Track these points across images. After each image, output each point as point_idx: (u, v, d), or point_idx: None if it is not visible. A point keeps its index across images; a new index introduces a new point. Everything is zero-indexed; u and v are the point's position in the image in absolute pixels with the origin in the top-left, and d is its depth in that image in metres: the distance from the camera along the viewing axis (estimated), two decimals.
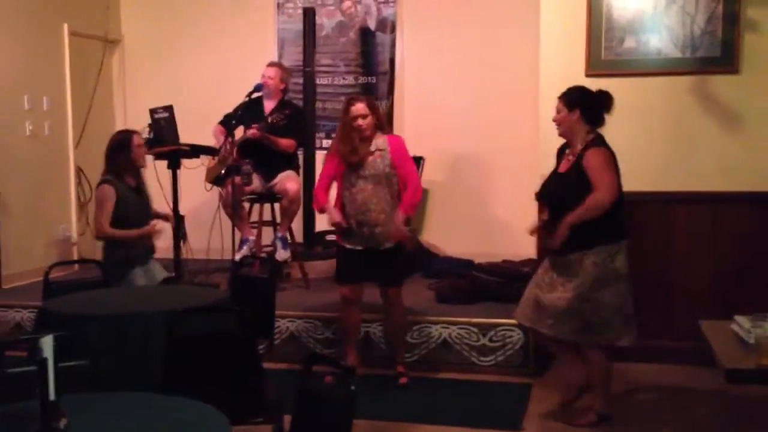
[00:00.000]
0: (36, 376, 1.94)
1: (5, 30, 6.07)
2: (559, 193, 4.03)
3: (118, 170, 4.64)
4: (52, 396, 1.94)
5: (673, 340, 4.93)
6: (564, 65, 5.08)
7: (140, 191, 4.75)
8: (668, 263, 4.98)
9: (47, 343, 1.97)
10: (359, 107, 4.38)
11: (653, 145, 5.00)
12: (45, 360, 1.94)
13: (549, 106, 5.10)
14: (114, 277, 4.36)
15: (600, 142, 3.99)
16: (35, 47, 6.41)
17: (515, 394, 4.43)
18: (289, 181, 5.65)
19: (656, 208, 4.99)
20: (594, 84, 5.00)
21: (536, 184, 5.20)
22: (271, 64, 5.92)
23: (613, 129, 5.02)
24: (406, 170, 4.46)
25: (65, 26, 6.68)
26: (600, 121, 4.02)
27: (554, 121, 4.08)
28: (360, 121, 4.35)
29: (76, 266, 6.26)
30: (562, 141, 5.09)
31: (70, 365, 2.36)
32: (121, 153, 4.63)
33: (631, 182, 4.97)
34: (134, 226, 4.62)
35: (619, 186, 3.94)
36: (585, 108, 3.96)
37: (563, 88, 5.05)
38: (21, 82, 6.22)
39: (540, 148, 5.20)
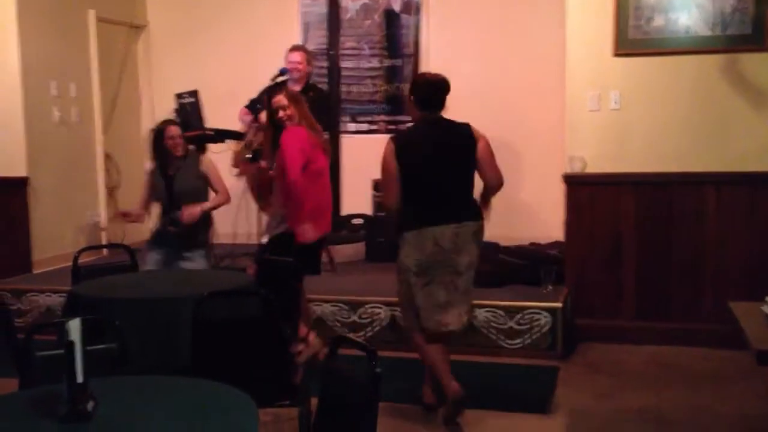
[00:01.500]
0: (64, 359, 1.95)
1: (33, 17, 6.11)
2: None
3: (158, 158, 4.70)
4: (80, 379, 1.95)
5: (704, 322, 4.88)
6: (591, 45, 5.02)
7: (168, 179, 4.72)
8: (699, 245, 4.91)
9: (75, 327, 1.98)
10: (278, 98, 4.44)
11: (683, 126, 4.93)
12: (73, 343, 1.96)
13: (575, 86, 5.07)
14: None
15: (395, 133, 4.16)
16: (63, 34, 6.45)
17: (543, 378, 4.41)
18: None
19: (687, 190, 4.93)
20: (622, 64, 4.97)
21: (563, 166, 5.17)
22: (294, 48, 5.88)
23: (642, 109, 4.98)
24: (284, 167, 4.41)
25: (92, 12, 6.71)
26: (429, 106, 3.83)
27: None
28: (281, 113, 4.42)
29: (105, 251, 6.33)
30: (591, 122, 5.06)
31: (98, 348, 2.39)
32: (155, 144, 4.69)
33: (660, 163, 4.95)
34: (162, 212, 4.73)
35: (410, 182, 3.74)
36: (416, 95, 3.85)
37: (590, 69, 5.04)
38: (49, 68, 6.27)
39: (566, 130, 5.15)
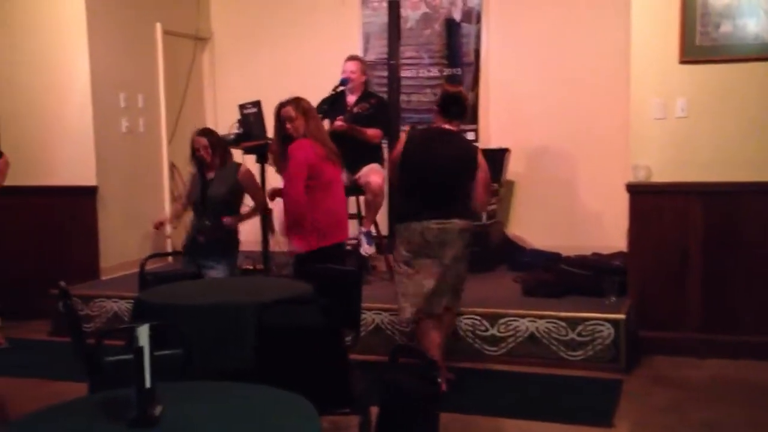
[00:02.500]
0: (133, 365, 2.00)
1: (103, 30, 6.29)
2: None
3: (196, 165, 4.89)
4: (147, 384, 2.00)
5: None
6: (656, 52, 4.94)
7: (204, 187, 4.84)
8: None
9: (144, 333, 2.02)
10: (287, 110, 4.49)
11: (752, 134, 4.80)
12: (141, 349, 2.00)
13: (640, 94, 4.99)
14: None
15: (411, 130, 4.44)
16: (130, 46, 6.62)
17: (606, 390, 4.34)
18: (373, 174, 5.67)
19: (756, 199, 4.80)
20: (688, 71, 4.87)
21: (626, 175, 5.09)
22: (350, 58, 5.92)
23: (709, 117, 4.87)
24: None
25: (159, 26, 6.87)
26: (448, 114, 4.28)
27: None
28: (287, 125, 4.45)
29: (170, 258, 6.47)
30: (656, 130, 4.96)
31: (165, 354, 2.44)
32: (192, 152, 4.90)
33: (728, 172, 4.83)
34: (195, 213, 4.93)
35: (408, 177, 4.25)
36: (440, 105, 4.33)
37: (655, 76, 4.96)
38: (117, 80, 6.44)
39: (631, 138, 5.06)
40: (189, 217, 5.10)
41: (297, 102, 4.56)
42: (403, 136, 4.35)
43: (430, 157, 4.18)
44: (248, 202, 5.08)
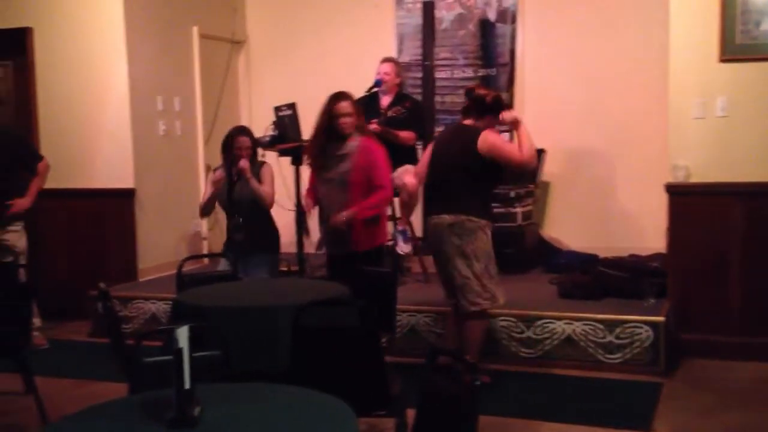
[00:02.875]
0: (172, 366, 2.01)
1: (141, 34, 6.36)
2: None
3: (226, 162, 4.92)
4: (187, 385, 2.01)
5: None
6: (696, 50, 4.86)
7: (232, 184, 4.88)
8: None
9: (183, 334, 2.04)
10: (344, 105, 4.40)
11: None
12: (181, 350, 2.01)
13: (679, 93, 4.92)
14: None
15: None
16: (168, 50, 6.69)
17: (645, 393, 4.28)
18: (407, 175, 5.64)
19: None
20: (728, 70, 4.79)
21: (664, 175, 5.02)
22: (385, 60, 5.92)
23: (750, 116, 4.79)
24: (372, 175, 4.42)
25: (195, 29, 6.94)
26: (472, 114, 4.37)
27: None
28: (344, 120, 4.38)
29: (206, 260, 6.52)
30: (695, 130, 4.89)
31: (203, 355, 2.46)
32: (226, 148, 4.93)
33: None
34: (226, 213, 5.00)
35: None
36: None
37: (695, 75, 4.88)
38: (155, 83, 6.51)
39: (671, 138, 4.99)
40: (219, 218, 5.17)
41: (353, 99, 4.53)
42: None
43: (438, 153, 4.30)
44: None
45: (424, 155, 4.49)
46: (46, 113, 6.44)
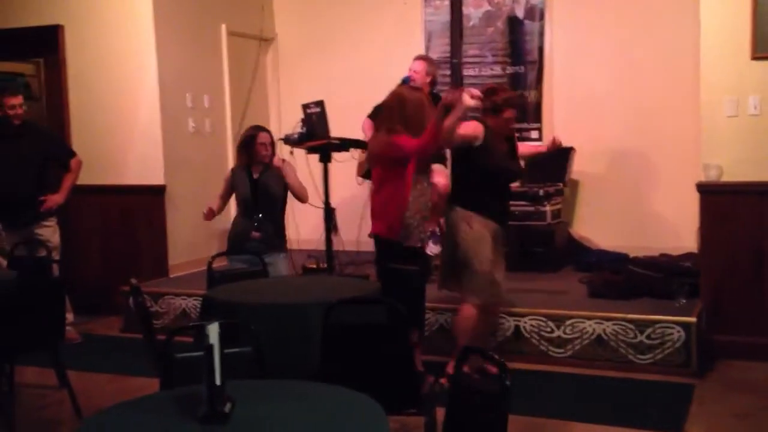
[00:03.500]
0: (203, 362, 2.02)
1: (170, 32, 6.41)
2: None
3: (244, 161, 4.94)
4: (218, 381, 2.02)
5: None
6: (727, 47, 4.79)
7: (255, 183, 4.93)
8: None
9: (214, 330, 2.05)
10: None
11: None
12: (212, 346, 2.02)
13: (711, 91, 4.86)
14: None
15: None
16: (197, 47, 6.74)
17: (676, 395, 4.23)
18: (437, 175, 5.60)
19: None
20: (761, 67, 4.71)
21: (696, 174, 4.96)
22: (418, 58, 5.90)
23: None
24: None
25: (224, 27, 6.97)
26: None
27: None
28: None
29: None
30: (728, 129, 4.82)
31: (234, 352, 2.47)
32: (246, 146, 4.94)
33: None
34: (243, 213, 4.99)
35: None
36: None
37: (726, 73, 4.82)
38: (184, 80, 6.55)
39: (703, 137, 4.93)
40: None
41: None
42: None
43: None
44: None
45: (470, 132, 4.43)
46: (77, 110, 6.52)
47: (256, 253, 4.60)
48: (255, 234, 4.85)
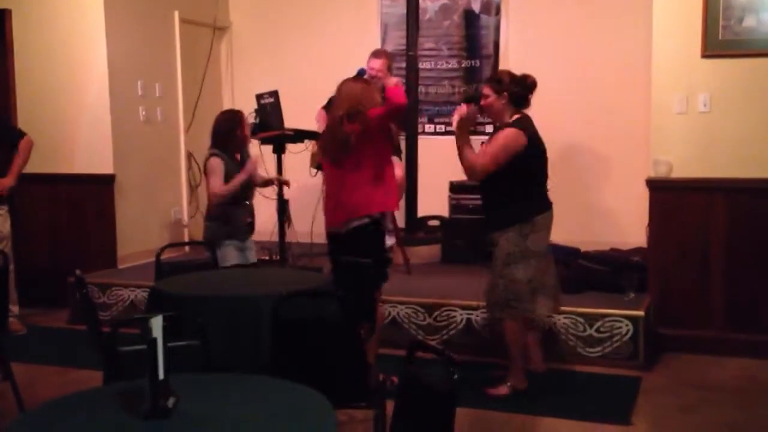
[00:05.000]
0: (146, 356, 1.98)
1: (121, 18, 6.28)
2: None
3: (226, 146, 4.72)
4: (161, 375, 1.98)
5: None
6: (678, 46, 4.87)
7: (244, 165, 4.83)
8: None
9: (157, 324, 2.01)
10: None
11: None
12: (155, 340, 1.98)
13: (662, 88, 4.93)
14: (209, 244, 4.51)
15: (518, 123, 4.06)
16: (148, 35, 6.61)
17: (624, 388, 4.29)
18: (395, 168, 5.62)
19: None
20: (711, 65, 4.80)
21: (646, 171, 5.03)
22: (376, 55, 5.79)
23: (733, 112, 4.80)
24: None
25: (176, 14, 6.85)
26: (525, 104, 4.17)
27: (483, 105, 4.18)
28: None
29: (187, 248, 6.47)
30: (677, 125, 4.90)
31: (180, 345, 2.43)
32: (230, 131, 4.70)
33: (752, 168, 4.76)
34: (239, 199, 4.70)
35: (533, 168, 4.09)
36: (512, 92, 4.10)
37: (677, 70, 4.89)
38: (135, 68, 6.43)
39: (653, 134, 5.00)
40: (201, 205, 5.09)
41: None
42: (513, 133, 4.02)
43: (543, 148, 4.19)
44: None
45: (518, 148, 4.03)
46: (23, 97, 6.36)
47: (244, 238, 4.62)
48: (248, 219, 4.78)
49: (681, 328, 4.86)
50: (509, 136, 4.01)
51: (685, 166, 4.89)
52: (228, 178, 4.63)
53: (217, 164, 4.64)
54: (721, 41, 4.77)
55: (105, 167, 6.22)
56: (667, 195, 4.94)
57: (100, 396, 2.24)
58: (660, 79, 4.94)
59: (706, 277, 4.85)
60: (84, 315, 3.63)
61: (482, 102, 4.18)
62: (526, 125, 4.07)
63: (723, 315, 4.82)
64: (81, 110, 6.25)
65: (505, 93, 4.10)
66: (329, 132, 4.22)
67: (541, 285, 4.12)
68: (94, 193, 6.25)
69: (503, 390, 4.15)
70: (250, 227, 4.78)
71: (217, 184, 4.61)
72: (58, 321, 5.82)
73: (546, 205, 4.17)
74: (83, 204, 6.28)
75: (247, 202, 4.78)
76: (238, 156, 4.77)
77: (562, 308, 4.69)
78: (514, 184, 4.04)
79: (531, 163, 4.04)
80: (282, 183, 5.20)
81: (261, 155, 5.36)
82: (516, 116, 4.11)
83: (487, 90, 4.17)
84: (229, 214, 4.66)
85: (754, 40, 4.71)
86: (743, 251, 4.79)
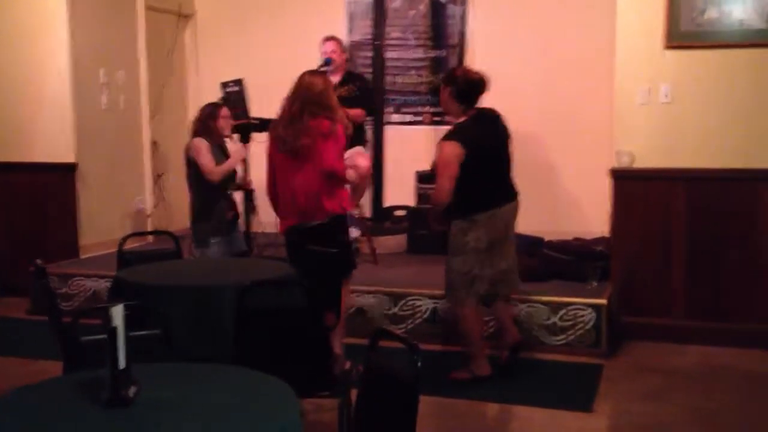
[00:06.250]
0: (106, 345, 1.96)
1: (84, 4, 6.17)
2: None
3: (208, 137, 4.74)
4: (122, 364, 1.96)
5: (758, 323, 4.77)
6: (641, 37, 4.92)
7: (226, 156, 4.85)
8: (754, 243, 4.79)
9: (118, 313, 1.98)
10: None
11: (737, 121, 4.81)
12: (115, 329, 1.96)
13: (625, 79, 4.98)
14: (199, 243, 4.58)
15: (456, 133, 4.09)
16: (112, 21, 6.51)
17: (586, 375, 4.34)
18: (359, 157, 5.59)
19: (740, 186, 4.81)
20: (673, 57, 4.86)
21: (609, 161, 5.08)
22: (329, 39, 5.82)
23: (694, 103, 4.87)
24: None
25: (141, 0, 6.75)
26: (470, 101, 4.15)
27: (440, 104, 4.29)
28: None
29: (150, 238, 6.40)
30: (640, 116, 4.95)
31: (142, 334, 2.40)
32: (209, 121, 4.77)
33: (713, 159, 4.83)
34: (221, 186, 4.74)
35: (475, 171, 4.05)
36: (458, 89, 4.12)
37: (640, 62, 4.94)
38: (97, 55, 6.33)
39: (615, 124, 5.05)
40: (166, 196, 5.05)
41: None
42: (450, 146, 4.04)
43: (489, 143, 4.20)
44: None
45: (450, 169, 4.05)
46: None
47: (230, 232, 4.66)
48: (230, 214, 4.77)
49: (643, 316, 4.93)
50: (445, 152, 4.08)
51: (648, 156, 4.95)
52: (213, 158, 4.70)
53: (201, 145, 4.68)
54: (683, 33, 4.83)
55: (66, 156, 6.12)
56: (629, 185, 4.99)
57: (59, 385, 2.21)
58: (623, 70, 4.98)
59: (668, 266, 4.92)
60: (45, 305, 3.57)
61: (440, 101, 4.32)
62: (463, 132, 4.10)
63: (684, 303, 4.90)
64: (41, 97, 6.14)
65: (449, 88, 4.14)
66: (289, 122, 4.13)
67: (480, 276, 4.16)
68: (56, 182, 6.15)
69: (464, 374, 4.22)
70: (234, 220, 4.81)
71: (209, 163, 4.65)
72: (18, 311, 5.73)
73: (489, 204, 4.15)
74: (44, 193, 6.18)
75: (229, 193, 4.80)
76: (223, 149, 4.79)
77: (526, 297, 4.74)
78: (455, 186, 4.07)
79: (468, 166, 4.04)
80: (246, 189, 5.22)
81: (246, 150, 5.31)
82: (462, 118, 4.16)
83: (442, 85, 4.27)
84: (212, 211, 4.70)
85: (717, 31, 4.78)
86: (704, 240, 4.86)
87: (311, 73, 4.31)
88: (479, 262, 4.14)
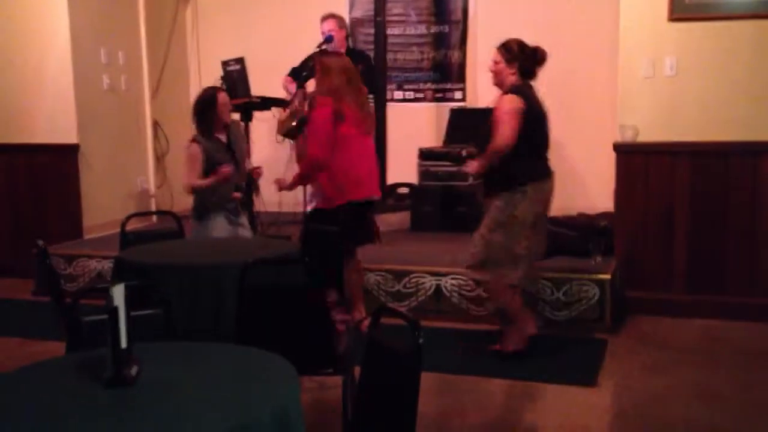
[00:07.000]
0: (108, 325, 1.96)
1: None
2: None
3: (207, 127, 4.56)
4: (123, 344, 1.96)
5: (760, 296, 4.76)
6: (645, 9, 4.88)
7: (230, 148, 4.65)
8: (757, 216, 4.77)
9: (119, 292, 1.98)
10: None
11: (741, 93, 4.77)
12: (116, 309, 1.96)
13: (629, 52, 4.93)
14: (198, 221, 4.49)
15: (517, 90, 4.05)
16: (112, 1, 6.47)
17: (591, 350, 4.35)
18: None
19: (744, 159, 4.79)
20: (677, 29, 4.81)
21: (613, 135, 5.05)
22: (326, 18, 5.75)
23: (698, 76, 4.83)
24: None
25: None
26: (532, 76, 4.16)
27: (491, 70, 4.18)
28: None
29: (154, 218, 6.41)
30: (644, 89, 4.91)
31: (143, 314, 2.41)
32: (207, 110, 4.55)
33: (717, 132, 4.80)
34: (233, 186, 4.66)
35: (527, 134, 4.02)
36: (522, 63, 4.10)
37: (644, 34, 4.89)
38: (98, 36, 6.30)
39: (619, 98, 5.02)
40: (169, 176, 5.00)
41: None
42: (513, 100, 4.01)
43: (541, 117, 4.15)
44: None
45: (513, 121, 4.01)
46: None
47: (238, 213, 4.59)
48: (236, 195, 4.69)
49: (646, 291, 4.92)
50: (507, 103, 4.02)
51: (652, 130, 4.92)
52: (208, 162, 4.47)
53: (193, 153, 4.49)
54: (687, 4, 4.79)
55: (68, 137, 6.12)
56: (633, 159, 4.97)
57: (61, 365, 2.22)
58: (627, 43, 4.94)
59: (671, 240, 4.91)
60: (48, 286, 3.58)
61: (491, 67, 4.18)
62: (523, 91, 4.06)
63: (687, 277, 4.89)
64: (42, 79, 6.12)
65: (516, 63, 4.08)
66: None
67: (523, 254, 4.07)
68: (57, 163, 6.15)
69: (510, 346, 4.18)
70: (241, 201, 4.72)
71: (189, 174, 4.48)
72: (23, 292, 5.74)
73: (540, 175, 4.13)
74: (46, 174, 6.19)
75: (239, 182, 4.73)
76: (224, 137, 4.60)
77: None
78: (503, 157, 4.00)
79: (526, 128, 4.00)
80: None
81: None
82: (515, 84, 4.09)
83: (497, 56, 4.14)
84: (216, 190, 4.54)
85: (721, 3, 4.74)
86: (707, 214, 4.84)
87: (337, 54, 4.37)
88: (526, 237, 4.06)
